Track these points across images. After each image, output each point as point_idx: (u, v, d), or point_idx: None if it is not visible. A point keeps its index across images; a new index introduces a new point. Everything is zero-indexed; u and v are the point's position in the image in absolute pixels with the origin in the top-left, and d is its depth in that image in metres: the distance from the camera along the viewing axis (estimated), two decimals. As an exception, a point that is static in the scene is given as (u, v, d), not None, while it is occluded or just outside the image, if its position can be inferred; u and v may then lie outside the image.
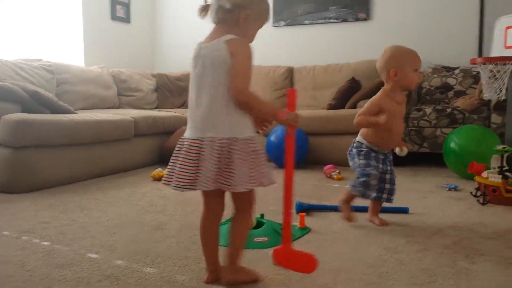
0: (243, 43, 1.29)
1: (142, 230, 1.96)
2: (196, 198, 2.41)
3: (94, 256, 1.63)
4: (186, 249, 1.69)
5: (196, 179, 1.27)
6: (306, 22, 4.97)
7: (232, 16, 1.32)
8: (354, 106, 3.94)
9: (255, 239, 1.76)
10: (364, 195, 2.00)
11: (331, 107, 4.07)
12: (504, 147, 2.51)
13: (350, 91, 4.10)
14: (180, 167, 1.29)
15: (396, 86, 1.97)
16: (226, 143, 1.27)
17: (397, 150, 2.08)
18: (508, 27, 3.13)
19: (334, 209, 2.29)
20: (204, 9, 1.38)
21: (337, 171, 3.25)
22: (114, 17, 5.11)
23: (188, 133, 1.33)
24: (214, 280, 1.40)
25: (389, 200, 2.08)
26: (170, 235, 1.87)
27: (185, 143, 1.32)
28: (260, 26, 1.40)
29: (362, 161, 2.01)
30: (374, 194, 2.04)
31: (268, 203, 2.40)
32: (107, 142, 3.33)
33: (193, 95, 1.34)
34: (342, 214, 2.08)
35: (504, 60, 2.90)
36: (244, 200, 1.37)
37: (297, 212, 2.15)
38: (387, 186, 2.06)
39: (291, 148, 1.39)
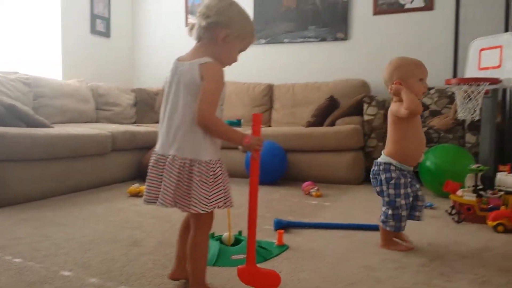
0: (215, 67, 1.30)
1: (117, 247, 1.92)
2: (174, 214, 2.40)
3: (67, 273, 1.59)
4: (162, 267, 1.66)
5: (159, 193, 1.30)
6: (286, 40, 5.04)
7: (211, 34, 1.34)
8: (332, 124, 3.98)
9: (233, 256, 1.75)
10: (397, 229, 1.90)
11: (310, 124, 4.10)
12: (478, 166, 2.56)
13: (329, 109, 4.15)
14: (147, 181, 1.34)
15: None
16: (188, 164, 1.28)
17: None
18: (482, 49, 3.24)
19: (312, 226, 2.29)
20: (192, 28, 1.39)
21: (316, 188, 3.26)
22: (93, 31, 5.08)
23: (156, 147, 1.36)
24: (176, 277, 1.49)
25: (420, 218, 1.96)
26: (146, 253, 1.84)
27: (153, 156, 1.35)
28: (243, 48, 1.41)
29: (391, 191, 1.88)
30: (405, 224, 1.91)
31: (246, 220, 2.39)
32: (83, 156, 3.27)
33: (163, 110, 1.36)
34: (399, 251, 1.91)
35: (478, 81, 2.98)
36: (201, 219, 1.36)
37: (276, 229, 2.14)
38: (420, 203, 1.94)
39: (255, 171, 1.40)
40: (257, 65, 5.09)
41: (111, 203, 2.87)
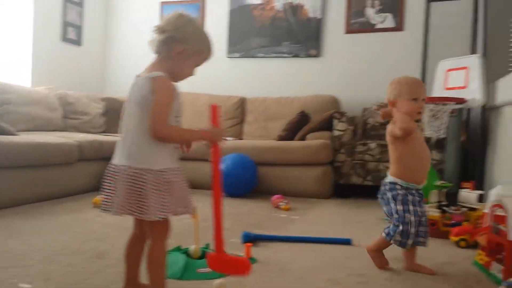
0: (164, 81, 1.33)
1: (81, 259, 1.87)
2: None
3: (27, 286, 1.53)
4: (127, 280, 1.63)
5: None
6: (259, 55, 5.09)
7: (167, 48, 1.37)
8: (303, 138, 4.03)
9: (199, 270, 1.73)
10: (403, 245, 1.84)
11: (281, 138, 4.13)
12: (442, 183, 2.64)
13: (300, 124, 4.20)
14: (103, 190, 1.35)
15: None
16: (139, 174, 1.29)
17: None
18: (448, 70, 3.35)
19: (280, 239, 2.29)
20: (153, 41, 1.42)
21: (285, 201, 3.28)
22: (65, 38, 5.00)
23: (113, 158, 1.38)
24: None
25: (425, 244, 1.89)
26: (111, 265, 1.80)
27: (109, 167, 1.37)
28: (199, 64, 1.44)
29: (399, 207, 1.84)
30: (412, 242, 1.84)
31: (214, 233, 2.37)
32: (49, 165, 3.19)
33: (123, 122, 1.39)
34: (374, 263, 1.91)
35: (444, 100, 3.07)
36: (157, 229, 1.36)
37: (244, 243, 2.14)
38: (424, 229, 1.88)
39: (216, 162, 1.44)
40: (230, 78, 5.11)
41: (77, 213, 2.80)
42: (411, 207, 1.83)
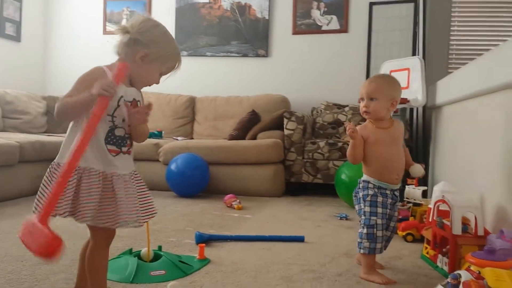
0: (91, 70, 1.29)
1: (24, 266, 1.78)
2: (88, 230, 2.26)
3: (-35, 297, 1.44)
4: (76, 286, 1.56)
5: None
6: (208, 54, 5.06)
7: (130, 51, 1.31)
8: (254, 138, 4.05)
9: (152, 272, 1.70)
10: (372, 251, 1.74)
11: (232, 137, 4.13)
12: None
13: (251, 123, 4.22)
14: (39, 190, 1.31)
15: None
16: (78, 173, 1.23)
17: (411, 172, 1.94)
18: (391, 71, 3.48)
19: (234, 239, 2.29)
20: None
21: (238, 200, 3.28)
22: (2, 34, 4.72)
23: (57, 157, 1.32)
24: None
25: (384, 249, 1.85)
26: (57, 271, 1.72)
27: (51, 166, 1.31)
28: (164, 71, 1.38)
29: (367, 209, 1.78)
30: (380, 246, 1.77)
31: (167, 234, 2.34)
32: (-14, 168, 3.01)
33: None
34: (378, 283, 1.71)
35: (387, 100, 3.19)
36: (100, 233, 1.31)
37: (197, 243, 2.12)
38: (388, 234, 1.87)
39: (98, 114, 1.18)
40: (179, 77, 5.01)
41: (18, 218, 2.65)
42: (379, 210, 1.77)
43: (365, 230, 1.76)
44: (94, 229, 1.30)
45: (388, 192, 1.81)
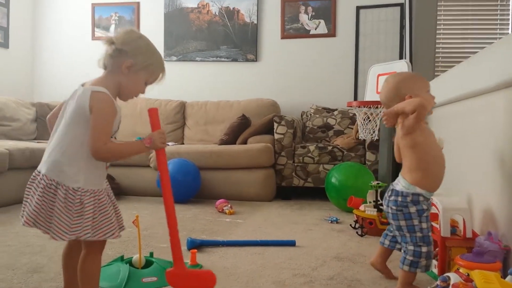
0: (104, 98, 1.28)
1: (15, 274, 1.77)
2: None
3: (-45, 308, 1.43)
4: (67, 294, 1.56)
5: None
6: (197, 58, 5.07)
7: (116, 62, 1.34)
8: (245, 142, 4.06)
9: (144, 279, 1.70)
10: (428, 269, 1.62)
11: (223, 142, 4.14)
12: (377, 183, 2.76)
13: (241, 127, 4.23)
14: (24, 197, 1.31)
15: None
16: (54, 186, 1.25)
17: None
18: (379, 75, 3.51)
19: (226, 244, 2.30)
20: None
21: (229, 205, 3.28)
22: (-11, 40, 4.70)
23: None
24: None
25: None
26: (48, 279, 1.72)
27: (35, 172, 1.32)
28: (149, 81, 1.42)
29: (424, 225, 1.60)
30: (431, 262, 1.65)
31: (158, 241, 2.33)
32: (-26, 176, 2.98)
33: (55, 127, 1.33)
34: None
35: (376, 104, 3.22)
36: (96, 242, 1.33)
37: (189, 249, 2.12)
38: None
39: (164, 169, 1.39)
40: (169, 82, 5.00)
41: (8, 226, 2.64)
42: (431, 224, 1.65)
43: (425, 249, 1.59)
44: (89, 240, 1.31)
45: (430, 202, 1.67)
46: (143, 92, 1.42)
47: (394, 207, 1.63)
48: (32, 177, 1.31)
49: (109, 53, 1.33)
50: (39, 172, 1.29)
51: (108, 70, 1.35)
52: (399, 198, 1.62)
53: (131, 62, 1.33)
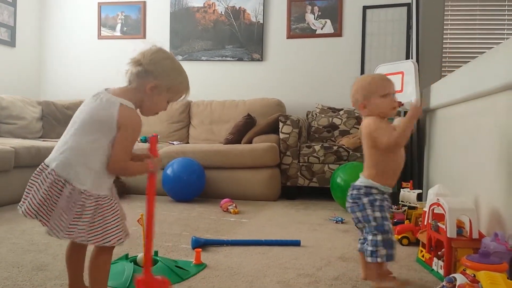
0: (133, 117, 1.32)
1: (20, 272, 1.77)
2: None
3: (-40, 305, 1.43)
4: (72, 292, 1.56)
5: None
6: (203, 58, 5.07)
7: (141, 81, 1.34)
8: (250, 141, 4.05)
9: (149, 277, 1.69)
10: (390, 258, 1.62)
11: (228, 141, 4.14)
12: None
13: (246, 127, 4.23)
14: (26, 187, 1.32)
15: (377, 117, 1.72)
16: (61, 183, 1.25)
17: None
18: (386, 75, 3.49)
19: (230, 243, 2.30)
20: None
21: (234, 205, 3.28)
22: (-4, 39, 4.72)
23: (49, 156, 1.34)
24: None
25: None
26: (53, 277, 1.72)
27: (42, 164, 1.33)
28: (173, 100, 1.44)
29: (378, 214, 1.65)
30: (395, 251, 1.66)
31: (163, 239, 2.34)
32: (-19, 174, 2.99)
33: (70, 124, 1.34)
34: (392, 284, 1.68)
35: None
36: None
37: (193, 248, 2.12)
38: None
39: (152, 192, 1.46)
40: (174, 82, 5.04)
41: (14, 224, 2.65)
42: (387, 214, 1.68)
43: (379, 237, 1.62)
44: None
45: (386, 196, 1.73)
46: (165, 109, 1.45)
47: (350, 200, 1.74)
48: (38, 169, 1.31)
49: (135, 72, 1.34)
50: (47, 166, 1.29)
51: (133, 86, 1.36)
52: (354, 191, 1.74)
53: (155, 83, 1.34)
